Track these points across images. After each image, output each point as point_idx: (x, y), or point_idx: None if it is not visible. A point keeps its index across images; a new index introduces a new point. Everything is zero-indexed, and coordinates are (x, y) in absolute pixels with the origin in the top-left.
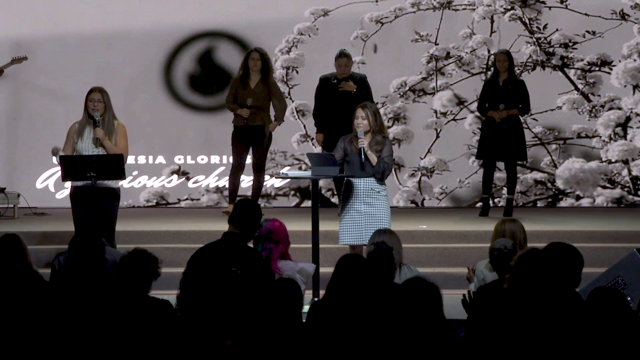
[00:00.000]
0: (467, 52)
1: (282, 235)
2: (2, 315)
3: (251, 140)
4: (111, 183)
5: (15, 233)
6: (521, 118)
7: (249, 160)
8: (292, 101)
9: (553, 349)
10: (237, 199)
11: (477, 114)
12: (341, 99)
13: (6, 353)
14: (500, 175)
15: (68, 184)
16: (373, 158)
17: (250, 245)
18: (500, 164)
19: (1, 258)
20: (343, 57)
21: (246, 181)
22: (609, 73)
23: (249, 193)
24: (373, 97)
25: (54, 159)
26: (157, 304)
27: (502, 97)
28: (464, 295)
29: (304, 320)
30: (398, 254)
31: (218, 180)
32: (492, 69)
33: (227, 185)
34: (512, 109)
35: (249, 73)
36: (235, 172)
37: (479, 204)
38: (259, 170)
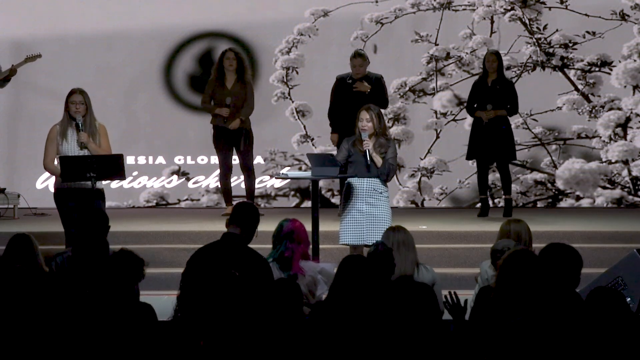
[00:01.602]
0: (467, 53)
1: (303, 235)
2: (6, 313)
3: (233, 141)
4: (96, 183)
5: (26, 233)
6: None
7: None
8: (292, 102)
9: (550, 349)
10: (235, 201)
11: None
12: (356, 100)
13: (4, 351)
14: (498, 176)
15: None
16: (378, 160)
17: (251, 246)
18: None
19: (12, 258)
20: (358, 57)
21: (236, 181)
22: (609, 73)
23: (242, 193)
24: (388, 98)
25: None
26: (139, 307)
27: (491, 97)
28: (445, 297)
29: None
30: (413, 252)
31: (218, 180)
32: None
33: (227, 187)
34: (500, 110)
35: (224, 73)
36: (225, 173)
37: (479, 205)
38: (247, 171)
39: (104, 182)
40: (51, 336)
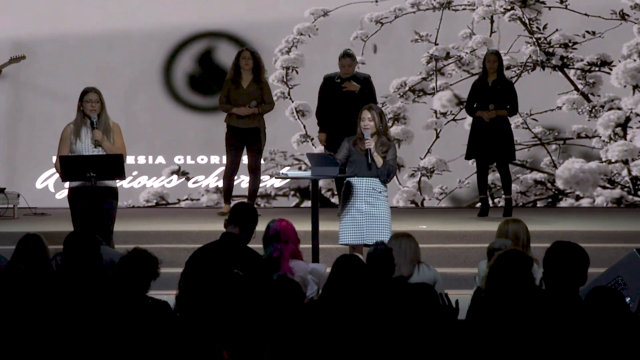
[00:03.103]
0: (466, 53)
1: (291, 233)
2: (13, 314)
3: (246, 142)
4: (110, 182)
5: (37, 233)
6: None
7: (244, 160)
8: (292, 101)
9: (549, 349)
10: (234, 202)
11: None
12: (345, 99)
13: (8, 351)
14: (498, 176)
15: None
16: (379, 160)
17: (250, 246)
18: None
19: (23, 258)
20: (347, 57)
21: (245, 181)
22: (609, 73)
23: (242, 193)
24: (377, 97)
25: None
26: (156, 305)
27: (492, 98)
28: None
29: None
30: (416, 254)
31: (218, 180)
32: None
33: (229, 187)
34: (501, 110)
35: (240, 73)
36: (230, 172)
37: (479, 205)
38: (254, 171)
39: (118, 182)
40: (66, 335)
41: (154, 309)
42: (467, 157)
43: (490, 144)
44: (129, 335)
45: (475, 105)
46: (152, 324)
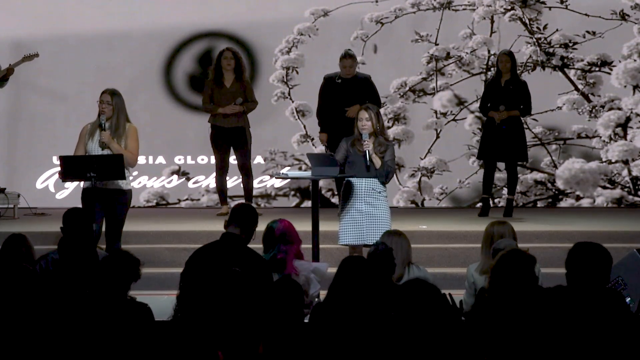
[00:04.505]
0: (467, 53)
1: (294, 234)
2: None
3: (231, 142)
4: (122, 184)
5: (22, 233)
6: (522, 119)
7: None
8: (292, 101)
9: (549, 349)
10: (235, 201)
11: (478, 114)
12: (345, 99)
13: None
14: (500, 176)
15: (69, 185)
16: (377, 161)
17: (250, 246)
18: (501, 164)
19: (8, 258)
20: (348, 57)
21: (236, 180)
22: (609, 73)
23: (241, 193)
24: (380, 96)
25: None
26: (135, 307)
27: (504, 98)
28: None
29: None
30: (407, 254)
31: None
32: (493, 69)
33: (222, 187)
34: (513, 110)
35: (222, 73)
36: (221, 173)
37: (479, 205)
38: (245, 171)
39: (132, 183)
40: (47, 337)
41: (133, 311)
42: (479, 157)
43: (502, 144)
44: (106, 335)
45: (488, 105)
46: (131, 325)
